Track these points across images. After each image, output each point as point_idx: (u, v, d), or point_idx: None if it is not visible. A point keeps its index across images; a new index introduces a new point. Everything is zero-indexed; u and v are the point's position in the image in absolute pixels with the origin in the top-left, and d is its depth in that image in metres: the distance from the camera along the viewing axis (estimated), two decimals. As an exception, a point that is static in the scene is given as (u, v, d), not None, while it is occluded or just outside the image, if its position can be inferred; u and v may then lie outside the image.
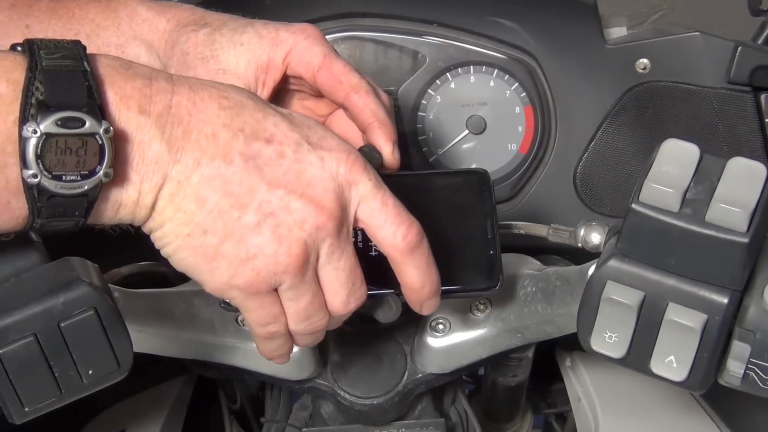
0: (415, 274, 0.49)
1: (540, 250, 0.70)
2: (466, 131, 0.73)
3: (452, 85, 0.73)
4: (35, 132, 0.39)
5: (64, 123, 0.40)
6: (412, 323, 0.65)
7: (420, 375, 0.65)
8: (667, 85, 0.72)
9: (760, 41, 0.76)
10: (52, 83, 0.40)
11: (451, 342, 0.62)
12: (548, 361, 0.88)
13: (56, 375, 0.45)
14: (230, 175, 0.44)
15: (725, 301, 0.43)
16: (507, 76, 0.73)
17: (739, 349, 0.44)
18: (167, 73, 0.45)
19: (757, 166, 0.43)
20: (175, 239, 0.45)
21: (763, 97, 0.71)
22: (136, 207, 0.44)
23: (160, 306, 0.59)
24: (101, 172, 0.41)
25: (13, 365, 0.43)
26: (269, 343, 0.50)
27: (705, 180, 0.44)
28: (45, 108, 0.40)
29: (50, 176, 0.40)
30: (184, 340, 0.60)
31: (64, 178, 0.40)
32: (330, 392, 0.66)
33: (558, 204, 0.74)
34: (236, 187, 0.44)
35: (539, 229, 0.58)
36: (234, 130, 0.44)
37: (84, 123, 0.40)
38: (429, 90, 0.73)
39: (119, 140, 0.42)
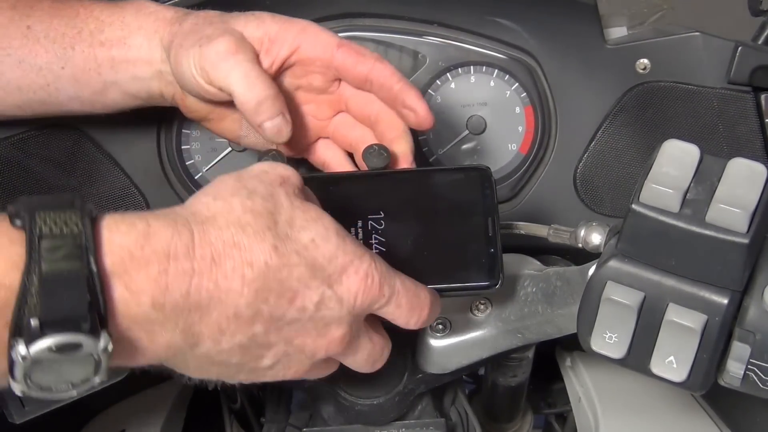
0: (418, 324, 0.51)
1: (540, 250, 0.70)
2: (467, 131, 0.73)
3: (452, 86, 0.73)
4: (24, 359, 0.36)
5: (59, 349, 0.36)
6: (412, 323, 0.65)
7: (420, 375, 0.65)
8: (667, 85, 0.72)
9: (760, 41, 0.76)
10: (50, 297, 0.36)
11: (451, 342, 0.62)
12: (548, 361, 0.87)
13: (56, 375, 0.44)
14: (249, 342, 0.44)
15: (725, 301, 0.43)
16: (507, 76, 0.73)
17: (739, 350, 0.44)
18: (189, 229, 0.41)
19: (758, 166, 0.43)
20: (188, 371, 0.46)
21: (763, 97, 0.71)
22: (145, 362, 0.44)
23: (160, 306, 0.59)
24: (96, 381, 0.39)
25: (13, 365, 0.43)
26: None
27: (705, 180, 0.44)
28: (38, 329, 0.36)
29: (39, 389, 0.38)
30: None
31: (53, 389, 0.38)
32: (330, 392, 0.66)
33: (558, 204, 0.73)
34: (255, 349, 0.45)
35: (539, 230, 0.58)
36: (258, 305, 0.43)
37: (80, 347, 0.37)
38: (429, 90, 0.73)
39: (123, 340, 0.40)
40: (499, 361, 0.77)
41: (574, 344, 0.63)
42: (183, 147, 0.72)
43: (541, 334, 0.60)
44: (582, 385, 0.80)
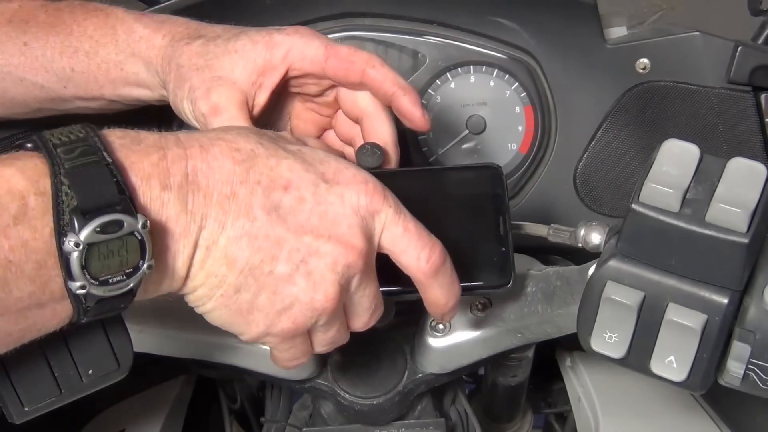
0: (440, 293, 0.50)
1: (540, 250, 0.70)
2: (466, 131, 0.73)
3: (452, 85, 0.73)
4: (77, 245, 0.38)
5: (104, 229, 0.39)
6: (412, 323, 0.65)
7: (420, 375, 0.65)
8: (667, 85, 0.72)
9: (760, 41, 0.76)
10: (81, 187, 0.39)
11: (451, 342, 0.62)
12: (548, 361, 0.88)
13: (56, 375, 0.45)
14: (256, 230, 0.44)
15: (725, 301, 0.43)
16: (507, 76, 0.73)
17: (739, 350, 0.44)
18: (175, 136, 0.45)
19: (758, 166, 0.43)
20: (209, 300, 0.45)
21: (763, 97, 0.71)
22: (171, 281, 0.44)
23: (160, 306, 0.59)
24: (144, 267, 0.41)
25: (13, 365, 0.43)
26: (289, 363, 0.51)
27: (705, 180, 0.44)
28: (81, 216, 0.39)
29: (97, 283, 0.39)
30: (184, 340, 0.60)
31: (110, 281, 0.40)
32: (330, 392, 0.66)
33: (558, 204, 0.73)
34: (263, 242, 0.44)
35: (539, 229, 0.58)
36: (251, 185, 0.44)
37: (122, 224, 0.39)
38: (429, 90, 0.73)
39: (152, 227, 0.41)
40: (499, 361, 0.77)
41: (574, 344, 0.63)
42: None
43: (541, 334, 0.60)
44: (582, 385, 0.80)
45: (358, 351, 0.65)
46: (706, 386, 0.46)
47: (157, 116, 0.70)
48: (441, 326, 0.62)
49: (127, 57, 0.60)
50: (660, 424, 0.74)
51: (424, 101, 0.73)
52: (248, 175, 0.44)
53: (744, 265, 0.43)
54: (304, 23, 0.72)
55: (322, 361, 0.65)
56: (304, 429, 0.70)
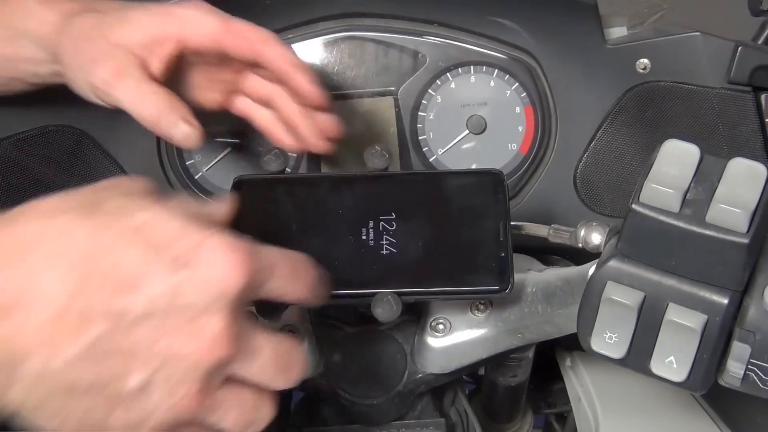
0: (312, 294, 0.46)
1: (540, 250, 0.70)
2: (467, 131, 0.73)
3: (452, 85, 0.73)
4: None
5: None
6: (412, 323, 0.65)
7: (420, 375, 0.65)
8: (667, 85, 0.72)
9: (760, 41, 0.76)
10: None
11: (451, 342, 0.62)
12: (548, 361, 0.87)
13: (56, 375, 0.44)
14: (94, 348, 0.35)
15: (725, 301, 0.43)
16: (507, 76, 0.73)
17: (739, 350, 0.44)
18: None
19: (758, 166, 0.43)
20: (50, 425, 0.37)
21: (763, 97, 0.71)
22: None
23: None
24: None
25: (13, 365, 0.43)
26: None
27: (705, 180, 0.44)
28: None
29: None
30: (184, 340, 0.60)
31: None
32: (330, 392, 0.66)
33: (558, 204, 0.73)
34: (107, 358, 0.36)
35: (539, 230, 0.58)
36: (88, 300, 0.36)
37: None
38: (429, 90, 0.73)
39: None
40: (499, 361, 0.77)
41: (574, 344, 0.63)
42: (183, 147, 0.72)
43: (541, 334, 0.60)
44: (582, 385, 0.80)
45: (358, 351, 0.65)
46: (706, 386, 0.46)
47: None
48: (441, 326, 0.62)
49: (18, 33, 0.59)
50: (660, 424, 0.74)
51: (424, 101, 0.73)
52: (82, 288, 0.36)
53: (744, 266, 0.43)
54: (305, 23, 0.72)
55: (322, 361, 0.65)
56: (304, 429, 0.70)
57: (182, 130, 0.57)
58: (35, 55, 0.60)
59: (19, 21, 0.59)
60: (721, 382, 0.46)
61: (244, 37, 0.58)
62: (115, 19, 0.58)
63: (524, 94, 0.73)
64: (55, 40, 0.59)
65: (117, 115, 0.64)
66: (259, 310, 0.51)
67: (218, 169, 0.73)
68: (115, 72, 0.56)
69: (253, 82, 0.64)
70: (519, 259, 0.62)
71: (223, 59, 0.61)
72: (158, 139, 0.71)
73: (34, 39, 0.59)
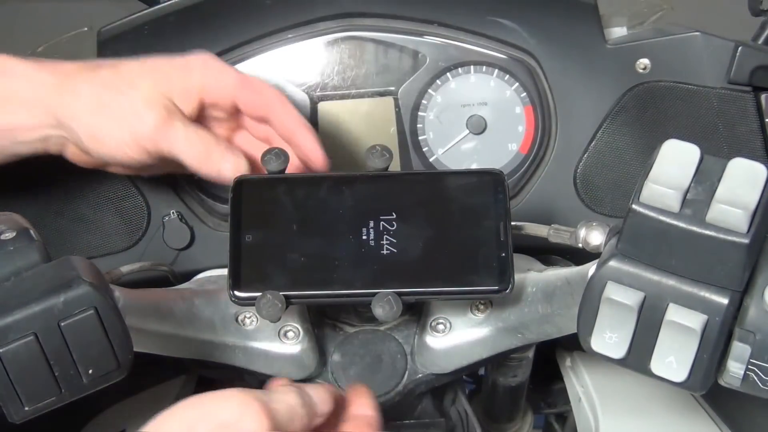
0: None
1: (540, 250, 0.70)
2: (467, 131, 0.73)
3: (452, 85, 0.73)
4: None
5: None
6: (412, 323, 0.65)
7: (420, 375, 0.65)
8: (667, 85, 0.72)
9: (760, 41, 0.76)
10: None
11: (451, 342, 0.62)
12: (548, 361, 0.88)
13: (56, 374, 0.45)
14: None
15: (725, 301, 0.43)
16: (507, 76, 0.73)
17: (740, 350, 0.44)
18: None
19: (758, 166, 0.43)
20: None
21: (763, 97, 0.71)
22: None
23: (160, 306, 0.59)
24: None
25: (13, 364, 0.43)
26: None
27: (705, 180, 0.44)
28: None
29: None
30: (184, 340, 0.60)
31: None
32: (330, 392, 0.66)
33: (558, 204, 0.73)
34: None
35: (540, 230, 0.58)
36: None
37: None
38: (429, 90, 0.73)
39: None
40: (499, 361, 0.77)
41: (574, 344, 0.63)
42: (183, 147, 0.72)
43: (541, 334, 0.60)
44: (582, 385, 0.80)
45: (358, 351, 0.65)
46: (706, 387, 0.46)
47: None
48: (441, 326, 0.62)
49: (7, 97, 0.57)
50: (660, 424, 0.74)
51: (424, 101, 0.73)
52: None
53: (744, 266, 0.43)
54: (305, 23, 0.72)
55: (323, 360, 0.65)
56: (304, 429, 0.70)
57: (231, 161, 0.59)
58: (24, 122, 0.57)
59: (4, 86, 0.57)
60: (721, 382, 0.46)
61: (259, 93, 0.59)
62: (134, 73, 0.57)
63: (524, 94, 0.73)
64: (54, 102, 0.57)
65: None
66: (259, 309, 0.51)
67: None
68: (165, 118, 0.57)
69: (251, 122, 0.65)
70: (519, 259, 0.62)
71: (230, 112, 0.62)
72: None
73: (24, 102, 0.57)
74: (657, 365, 0.46)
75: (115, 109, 0.56)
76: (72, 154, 0.61)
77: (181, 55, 0.60)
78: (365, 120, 0.73)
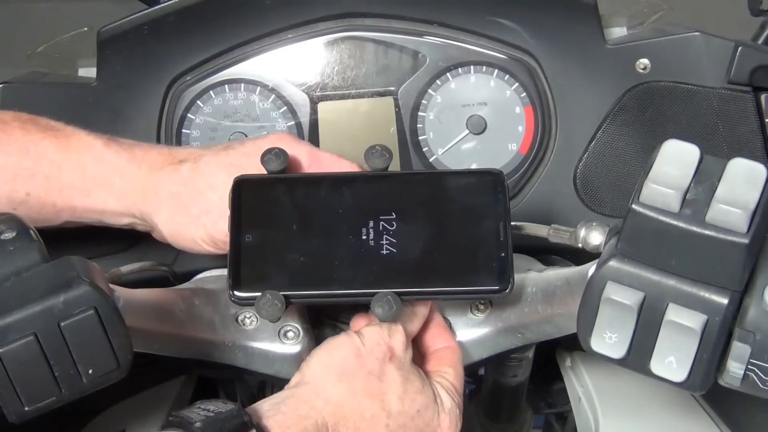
0: None
1: (540, 250, 0.70)
2: (467, 131, 0.73)
3: (452, 85, 0.73)
4: None
5: None
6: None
7: (420, 375, 0.65)
8: (667, 85, 0.72)
9: (760, 41, 0.76)
10: None
11: (451, 342, 0.62)
12: (548, 361, 0.88)
13: (56, 374, 0.45)
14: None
15: (725, 301, 0.43)
16: (507, 76, 0.73)
17: (739, 350, 0.44)
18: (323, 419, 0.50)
19: (758, 166, 0.43)
20: None
21: (763, 97, 0.71)
22: None
23: (160, 306, 0.59)
24: None
25: (13, 364, 0.43)
26: None
27: (705, 180, 0.44)
28: None
29: None
30: (184, 340, 0.60)
31: None
32: (330, 392, 0.66)
33: (558, 204, 0.73)
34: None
35: (539, 230, 0.58)
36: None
37: None
38: (429, 90, 0.73)
39: None
40: (499, 361, 0.77)
41: (574, 344, 0.63)
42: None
43: (541, 334, 0.60)
44: (582, 385, 0.80)
45: (358, 351, 0.65)
46: (706, 386, 0.46)
47: (158, 117, 0.70)
48: (441, 326, 0.62)
49: (96, 185, 0.58)
50: (660, 424, 0.74)
51: (424, 101, 0.73)
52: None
53: (744, 266, 0.43)
54: (304, 23, 0.72)
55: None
56: (304, 429, 0.70)
57: None
58: (113, 208, 0.59)
59: (98, 172, 0.58)
60: (721, 382, 0.46)
61: (327, 167, 0.58)
62: (211, 169, 0.58)
63: (524, 94, 0.73)
64: (139, 199, 0.58)
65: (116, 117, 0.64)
66: (259, 309, 0.51)
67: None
68: None
69: None
70: (519, 259, 0.62)
71: None
72: (158, 140, 0.71)
73: (113, 191, 0.58)
74: (657, 365, 0.46)
75: (194, 212, 0.58)
76: (157, 236, 0.62)
77: (254, 142, 0.59)
78: (365, 120, 0.73)
